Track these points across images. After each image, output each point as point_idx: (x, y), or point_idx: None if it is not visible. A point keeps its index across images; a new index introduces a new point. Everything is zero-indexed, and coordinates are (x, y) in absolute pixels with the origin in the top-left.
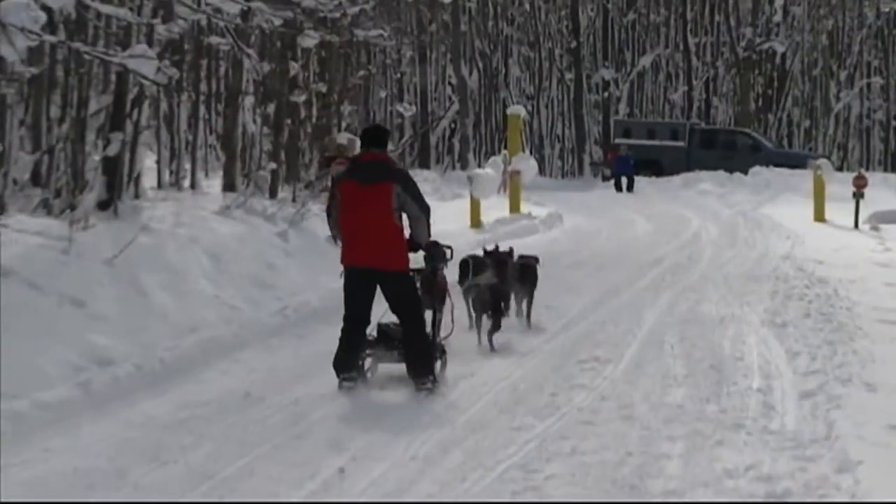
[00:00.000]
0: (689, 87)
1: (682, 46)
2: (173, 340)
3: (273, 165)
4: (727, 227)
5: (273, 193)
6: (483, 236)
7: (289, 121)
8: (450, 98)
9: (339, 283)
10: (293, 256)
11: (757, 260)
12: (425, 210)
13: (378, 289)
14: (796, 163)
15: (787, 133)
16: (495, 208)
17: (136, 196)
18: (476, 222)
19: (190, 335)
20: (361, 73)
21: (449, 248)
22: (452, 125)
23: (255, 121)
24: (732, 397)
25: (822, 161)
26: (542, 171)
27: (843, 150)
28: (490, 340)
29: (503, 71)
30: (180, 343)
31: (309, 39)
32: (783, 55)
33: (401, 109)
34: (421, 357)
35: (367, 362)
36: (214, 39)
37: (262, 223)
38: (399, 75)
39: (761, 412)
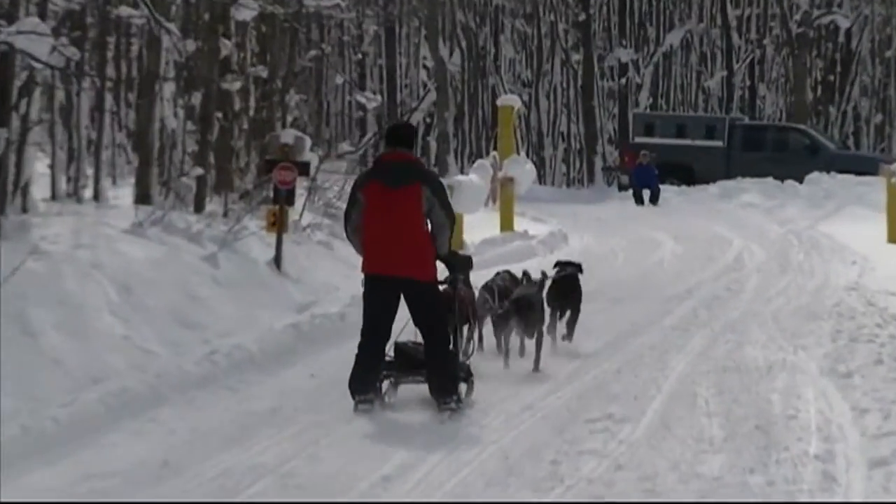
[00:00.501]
0: (728, 72)
1: (719, 20)
2: (70, 394)
3: (199, 171)
4: (777, 250)
5: (199, 207)
6: None
7: (220, 114)
8: (424, 85)
9: (284, 322)
10: (225, 287)
11: (815, 292)
12: (451, 218)
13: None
14: (865, 168)
15: (854, 130)
16: (482, 225)
17: (24, 210)
18: (457, 243)
19: (92, 388)
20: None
21: (469, 258)
22: (428, 120)
23: (176, 114)
24: (783, 466)
25: None
26: (541, 178)
27: None
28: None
29: (492, 51)
30: (79, 398)
31: (245, 11)
32: (848, 31)
33: (362, 100)
34: (445, 374)
35: (385, 385)
36: (125, 11)
37: (184, 244)
38: (360, 56)
39: (820, 485)
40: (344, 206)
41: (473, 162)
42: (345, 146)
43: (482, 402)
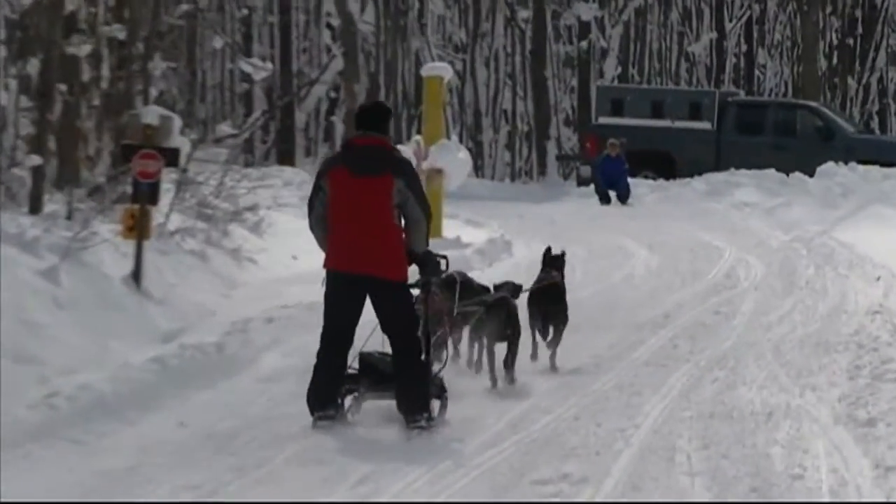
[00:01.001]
0: (719, 35)
1: None
2: None
3: (36, 160)
4: (779, 263)
5: (36, 206)
6: None
7: (63, 87)
8: (328, 50)
9: (145, 356)
10: (68, 310)
11: (828, 316)
12: (427, 213)
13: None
14: (892, 157)
15: (879, 109)
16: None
17: None
18: None
19: None
20: (183, 8)
21: (444, 258)
22: (333, 94)
23: (7, 86)
24: None
25: None
26: (477, 169)
27: None
28: (509, 374)
29: (416, 6)
30: None
31: None
32: None
33: (248, 68)
34: (415, 388)
35: (348, 400)
36: None
37: (16, 255)
38: (245, 12)
39: None
40: (223, 205)
41: None
42: (225, 128)
43: (407, 457)
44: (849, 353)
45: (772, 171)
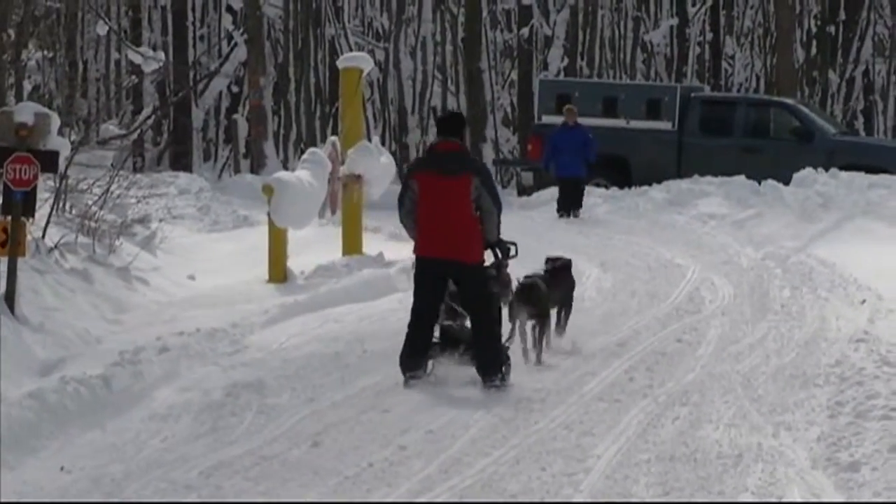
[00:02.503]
0: (680, 21)
1: None
2: None
3: None
4: (750, 284)
5: None
6: (290, 299)
7: None
8: (230, 38)
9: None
10: None
11: (805, 345)
12: (498, 206)
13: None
14: (880, 161)
15: (864, 107)
16: (316, 246)
17: None
18: (279, 273)
19: None
20: None
21: (514, 244)
22: (235, 89)
23: None
24: None
25: None
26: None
27: None
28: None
29: None
30: None
31: None
32: None
33: (137, 59)
34: (492, 353)
35: (430, 364)
36: None
37: None
38: None
39: None
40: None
41: (303, 152)
42: (111, 127)
43: None
44: (829, 388)
45: (741, 178)
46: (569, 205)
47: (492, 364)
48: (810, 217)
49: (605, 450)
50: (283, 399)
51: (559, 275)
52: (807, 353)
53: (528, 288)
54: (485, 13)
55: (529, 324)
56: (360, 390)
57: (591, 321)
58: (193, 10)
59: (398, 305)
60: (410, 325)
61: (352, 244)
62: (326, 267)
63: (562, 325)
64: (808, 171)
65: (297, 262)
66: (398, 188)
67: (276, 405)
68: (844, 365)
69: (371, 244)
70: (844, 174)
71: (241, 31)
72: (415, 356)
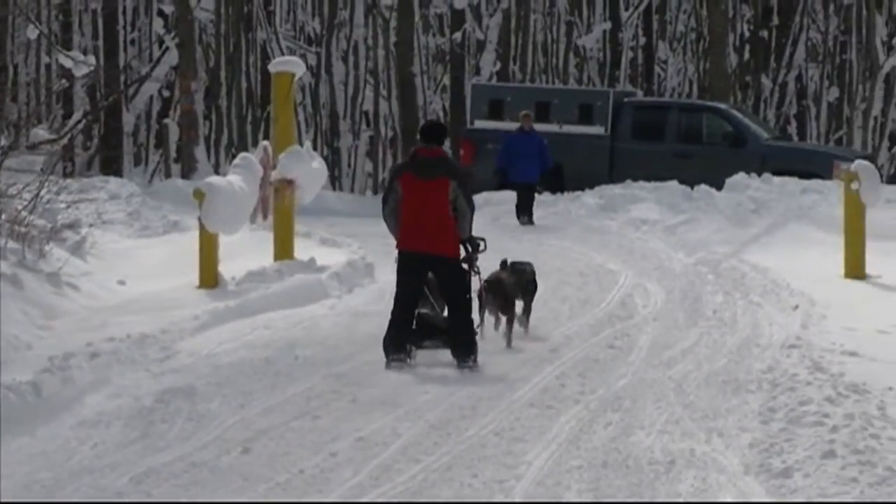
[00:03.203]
0: (613, 25)
1: None
2: None
3: None
4: (682, 289)
5: None
6: (221, 305)
7: None
8: (161, 42)
9: None
10: None
11: (737, 351)
12: (471, 207)
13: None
14: (813, 167)
15: (797, 111)
16: (248, 251)
17: None
18: (209, 278)
19: None
20: None
21: (483, 240)
22: (166, 93)
23: None
24: None
25: (861, 165)
26: (335, 180)
27: None
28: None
29: None
30: None
31: None
32: None
33: (67, 63)
34: (466, 338)
35: (412, 349)
36: None
37: None
38: None
39: None
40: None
41: (234, 156)
42: (41, 132)
43: None
44: (761, 394)
45: (674, 183)
46: (529, 212)
47: (466, 347)
48: (743, 222)
49: (537, 456)
50: (213, 405)
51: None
52: (739, 358)
53: (495, 282)
54: (417, 17)
55: (497, 313)
56: (290, 396)
57: (496, 347)
58: (124, 13)
59: (329, 311)
60: (394, 312)
61: (283, 249)
62: (257, 272)
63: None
64: (740, 177)
65: (228, 267)
66: (330, 193)
67: (207, 411)
68: (777, 371)
69: (303, 249)
70: (777, 179)
71: (173, 35)
72: (397, 340)
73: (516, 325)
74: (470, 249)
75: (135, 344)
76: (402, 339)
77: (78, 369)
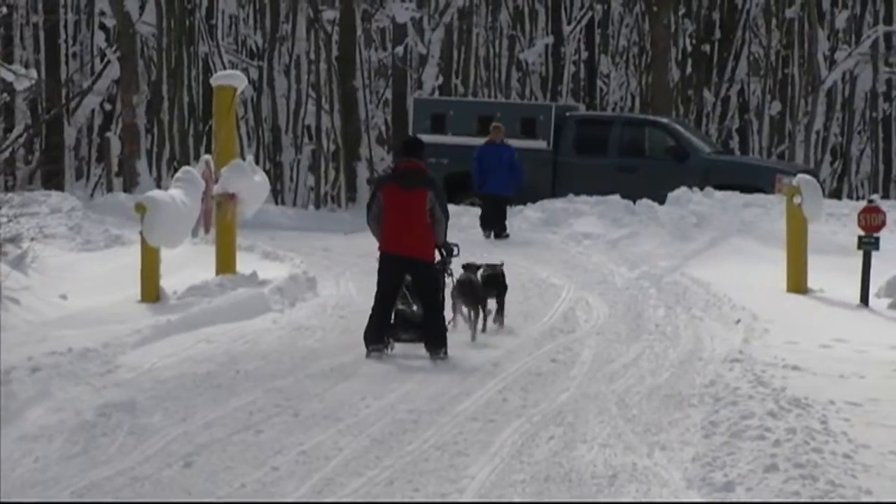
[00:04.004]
0: (556, 39)
1: None
2: None
3: None
4: (625, 303)
5: None
6: (163, 319)
7: None
8: (102, 55)
9: None
10: None
11: (680, 365)
12: (446, 215)
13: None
14: (755, 181)
15: (739, 126)
16: (189, 265)
17: None
18: (151, 292)
19: None
20: None
21: (456, 245)
22: (108, 107)
23: None
24: None
25: (803, 179)
26: (277, 194)
27: (843, 160)
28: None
29: (204, 4)
30: None
31: None
32: None
33: (8, 76)
34: (438, 333)
35: (390, 341)
36: None
37: None
38: (4, 11)
39: None
40: None
41: (176, 170)
42: None
43: None
44: (704, 407)
45: (616, 197)
46: (493, 223)
47: (438, 341)
48: (685, 236)
49: (479, 470)
50: (155, 419)
51: (493, 279)
52: (681, 372)
53: (466, 283)
54: (359, 32)
55: (465, 310)
56: (232, 410)
57: (464, 340)
58: (66, 27)
59: (272, 325)
60: (374, 308)
61: (225, 263)
62: (199, 286)
63: (498, 321)
64: (682, 191)
65: (170, 281)
66: (272, 207)
67: (149, 425)
68: (719, 385)
69: (245, 263)
70: (719, 193)
71: (114, 48)
72: (377, 333)
73: (491, 322)
74: (444, 253)
75: (76, 358)
76: (381, 332)
77: (19, 383)
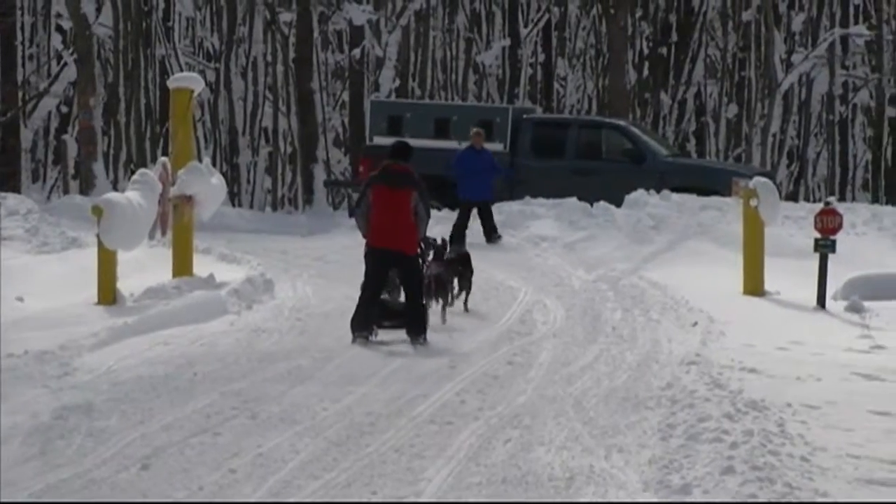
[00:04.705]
0: (513, 41)
1: None
2: None
3: None
4: (582, 306)
5: None
6: (120, 322)
7: None
8: (59, 58)
9: None
10: None
11: (637, 367)
12: (428, 214)
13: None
14: (712, 184)
15: (696, 128)
16: (146, 267)
17: None
18: (108, 295)
19: None
20: None
21: (434, 239)
22: (65, 109)
23: None
24: None
25: (760, 182)
26: (234, 196)
27: (800, 162)
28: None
29: (161, 6)
30: None
31: None
32: None
33: None
34: (419, 320)
35: (374, 329)
36: None
37: None
38: None
39: None
40: None
41: (133, 173)
42: None
43: None
44: (661, 410)
45: (573, 200)
46: (463, 229)
47: (418, 327)
48: (642, 239)
49: (437, 473)
50: (112, 422)
51: (457, 263)
52: (638, 375)
53: (437, 276)
54: (316, 34)
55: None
56: (190, 413)
57: (434, 321)
58: (22, 29)
59: (229, 327)
60: (361, 297)
61: (182, 266)
62: (156, 289)
63: (464, 302)
64: (639, 193)
65: (127, 284)
66: (230, 209)
67: (106, 428)
68: (676, 387)
69: (201, 266)
70: (676, 196)
71: (71, 50)
72: (363, 320)
73: (459, 305)
74: (423, 246)
75: (33, 360)
76: (367, 319)
77: None
